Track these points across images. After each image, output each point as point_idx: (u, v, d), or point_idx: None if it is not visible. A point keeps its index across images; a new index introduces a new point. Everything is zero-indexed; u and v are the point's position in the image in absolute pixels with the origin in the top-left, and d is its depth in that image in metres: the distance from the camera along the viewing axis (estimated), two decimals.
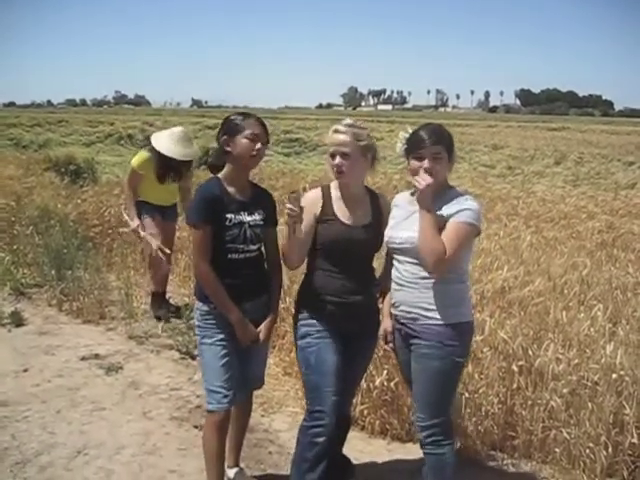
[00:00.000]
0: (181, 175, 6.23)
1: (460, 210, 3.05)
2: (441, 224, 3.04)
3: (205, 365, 3.45)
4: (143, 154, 6.21)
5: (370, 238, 3.36)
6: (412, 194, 3.26)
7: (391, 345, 3.47)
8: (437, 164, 3.13)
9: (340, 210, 3.32)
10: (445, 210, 3.08)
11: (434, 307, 3.11)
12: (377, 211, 3.41)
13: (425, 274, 3.10)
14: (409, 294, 3.18)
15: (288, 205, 3.11)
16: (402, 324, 3.26)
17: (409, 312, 3.19)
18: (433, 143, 3.11)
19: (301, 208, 3.12)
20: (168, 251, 6.22)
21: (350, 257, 3.32)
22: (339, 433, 3.54)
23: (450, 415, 3.33)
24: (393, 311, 3.34)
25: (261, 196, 3.53)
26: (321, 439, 3.27)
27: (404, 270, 3.20)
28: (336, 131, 3.29)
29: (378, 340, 3.61)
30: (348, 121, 3.36)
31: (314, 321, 3.33)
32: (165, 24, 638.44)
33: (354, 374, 3.58)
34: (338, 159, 3.25)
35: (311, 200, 3.30)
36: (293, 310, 3.58)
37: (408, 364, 3.29)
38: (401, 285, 3.22)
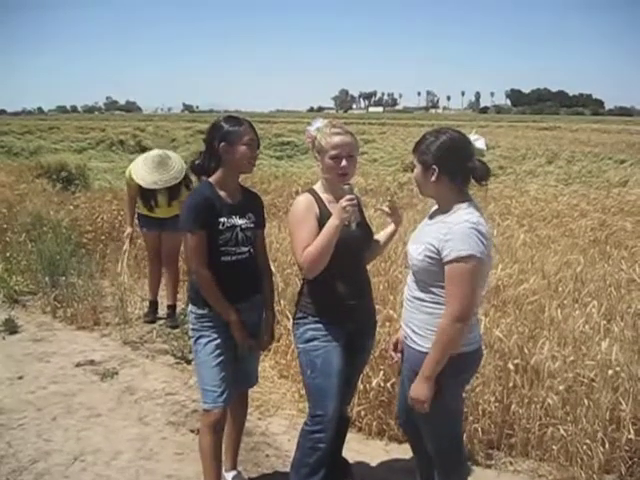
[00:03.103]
0: (175, 196, 6.20)
1: (446, 241, 2.81)
2: (434, 254, 2.85)
3: (200, 365, 3.45)
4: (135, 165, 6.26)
5: (365, 235, 3.39)
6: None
7: (399, 355, 3.36)
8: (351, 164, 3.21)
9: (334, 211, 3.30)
10: (434, 239, 2.87)
11: (420, 332, 2.99)
12: (359, 207, 3.41)
13: (420, 294, 2.99)
14: (405, 311, 3.14)
15: (348, 196, 3.08)
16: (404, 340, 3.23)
17: (404, 329, 3.15)
18: (413, 151, 3.05)
19: (357, 198, 3.14)
20: (125, 276, 6.57)
21: (352, 258, 3.32)
22: (339, 435, 3.54)
23: (461, 461, 3.26)
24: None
25: (251, 199, 3.57)
26: (323, 444, 3.27)
27: (407, 284, 3.16)
28: (336, 133, 3.25)
29: (375, 340, 3.62)
30: (324, 121, 3.34)
31: (320, 325, 3.31)
32: (156, 30, 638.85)
33: (353, 374, 3.60)
34: (345, 162, 3.23)
35: (310, 204, 3.28)
36: (291, 313, 3.57)
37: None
38: (404, 299, 3.18)
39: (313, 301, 3.34)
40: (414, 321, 3.03)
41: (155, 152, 6.23)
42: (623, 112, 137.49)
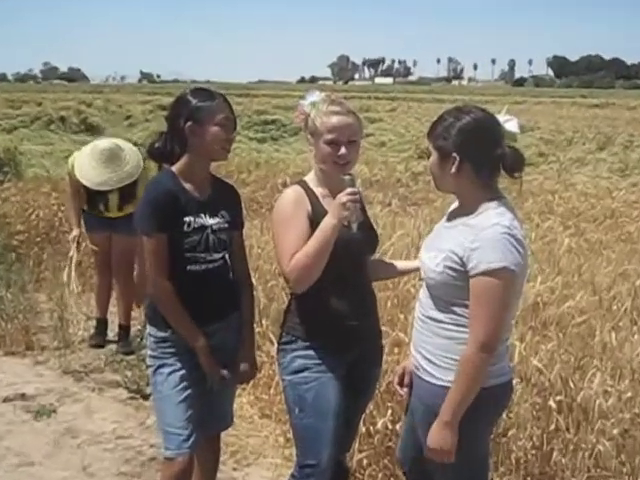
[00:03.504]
0: (130, 198, 6.15)
1: (472, 250, 2.81)
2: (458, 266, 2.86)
3: (161, 402, 3.45)
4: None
5: (368, 238, 3.38)
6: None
7: (406, 390, 3.35)
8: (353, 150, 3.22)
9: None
10: (457, 246, 2.87)
11: (435, 360, 2.97)
12: (361, 203, 3.39)
13: (436, 314, 2.98)
14: (416, 333, 3.13)
15: (349, 189, 3.07)
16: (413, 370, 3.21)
17: (414, 357, 3.14)
18: (428, 135, 3.05)
19: (360, 193, 3.13)
20: (75, 286, 6.48)
21: (352, 267, 3.29)
22: None
23: None
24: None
25: (225, 193, 3.56)
26: None
27: (419, 301, 3.16)
28: (335, 112, 3.24)
29: (382, 370, 3.62)
30: (322, 95, 3.34)
31: (312, 351, 3.28)
32: None
33: (355, 414, 3.59)
34: (344, 148, 3.21)
35: (299, 200, 3.25)
36: (275, 336, 3.57)
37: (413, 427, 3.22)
38: (415, 319, 3.17)
39: (303, 321, 3.31)
40: (427, 346, 3.02)
41: (104, 143, 6.13)
42: None
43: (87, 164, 6.04)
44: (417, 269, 3.50)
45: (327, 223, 3.08)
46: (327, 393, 3.26)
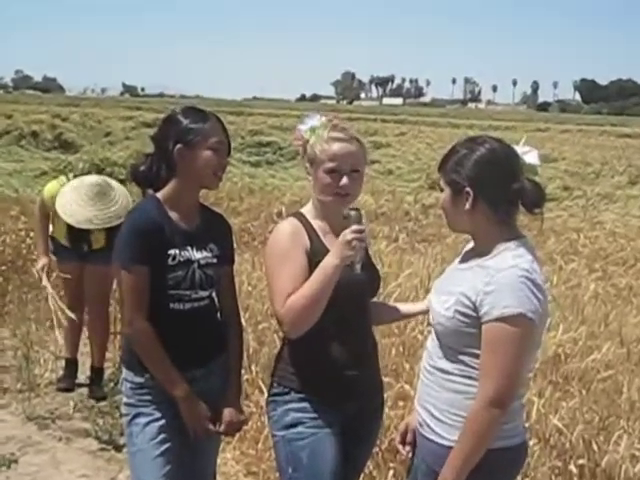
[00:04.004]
0: (114, 237, 6.11)
1: (486, 294, 2.80)
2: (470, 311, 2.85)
3: (136, 455, 3.42)
4: (58, 185, 6.21)
5: (370, 279, 3.37)
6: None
7: (408, 449, 3.31)
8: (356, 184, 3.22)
9: (333, 246, 3.19)
10: (470, 289, 2.87)
11: (442, 417, 2.96)
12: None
13: (445, 365, 2.97)
14: (422, 386, 3.12)
15: (355, 227, 3.04)
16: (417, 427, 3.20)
17: (419, 413, 3.12)
18: (439, 168, 3.06)
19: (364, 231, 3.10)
20: (71, 315, 6.32)
21: (353, 311, 3.28)
22: None
23: None
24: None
25: (214, 223, 3.55)
26: None
27: (426, 350, 3.15)
28: (336, 139, 3.24)
29: (383, 425, 3.60)
30: (322, 120, 3.33)
31: (307, 404, 3.25)
32: None
33: (353, 474, 3.55)
34: (346, 179, 3.21)
35: (297, 234, 3.23)
36: (266, 385, 3.55)
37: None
38: (422, 370, 3.16)
39: (297, 370, 3.29)
40: (433, 400, 3.01)
41: (92, 179, 6.09)
42: None
43: (71, 199, 5.98)
44: (423, 312, 3.56)
45: (329, 263, 3.05)
46: (324, 451, 3.23)
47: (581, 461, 4.21)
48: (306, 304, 3.05)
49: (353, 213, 3.09)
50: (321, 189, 3.24)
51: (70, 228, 6.08)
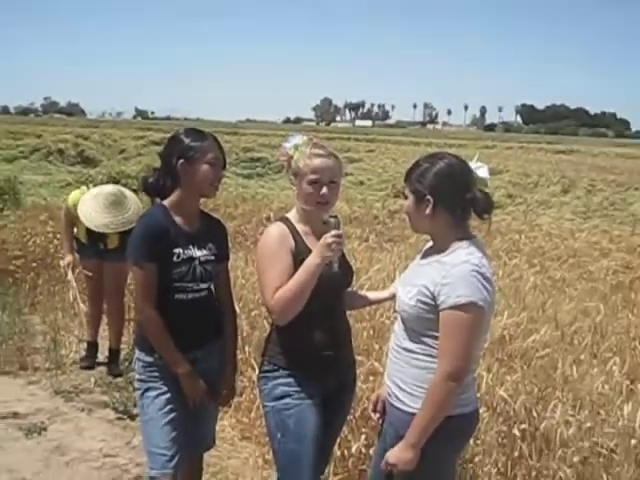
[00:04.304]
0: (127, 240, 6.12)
1: (443, 285, 2.83)
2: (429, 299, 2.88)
3: (146, 423, 3.42)
4: (80, 194, 6.18)
5: (345, 274, 3.38)
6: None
7: (378, 416, 3.35)
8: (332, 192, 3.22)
9: (314, 246, 3.23)
10: (429, 282, 2.89)
11: (408, 388, 2.99)
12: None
13: (409, 345, 2.99)
14: (390, 363, 3.14)
15: (334, 232, 3.07)
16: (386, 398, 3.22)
17: (388, 385, 3.15)
18: (405, 179, 3.07)
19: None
20: (82, 306, 6.42)
21: (331, 301, 3.31)
22: None
23: None
24: None
25: (213, 227, 3.56)
26: None
27: (394, 332, 3.16)
28: (317, 155, 3.25)
29: (355, 397, 3.61)
30: (304, 138, 3.34)
31: (292, 379, 3.26)
32: (104, 23, 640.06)
33: (331, 438, 3.57)
34: (325, 189, 3.23)
35: (284, 236, 3.25)
36: (257, 363, 3.54)
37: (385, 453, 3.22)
38: (390, 349, 3.18)
39: (285, 351, 3.29)
40: (401, 375, 3.03)
41: (109, 189, 6.11)
42: None
43: (90, 207, 5.97)
44: (387, 298, 3.58)
45: (311, 262, 3.07)
46: (307, 419, 3.25)
47: (523, 426, 4.22)
48: (292, 296, 3.07)
49: (332, 220, 3.10)
50: (305, 198, 3.25)
51: (89, 230, 6.05)
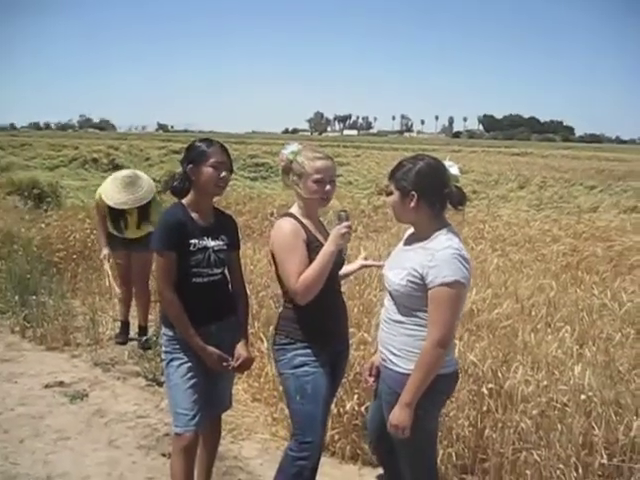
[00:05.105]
0: (144, 218, 6.17)
1: (430, 267, 2.86)
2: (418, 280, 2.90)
3: (171, 388, 3.42)
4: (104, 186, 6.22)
5: (342, 261, 3.39)
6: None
7: (373, 380, 3.38)
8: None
9: (320, 236, 3.31)
10: (417, 265, 2.91)
11: (400, 353, 3.01)
12: (326, 230, 3.45)
13: (400, 317, 3.01)
14: (383, 333, 3.15)
15: (345, 223, 3.11)
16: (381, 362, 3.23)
17: (382, 352, 3.16)
18: (390, 177, 3.08)
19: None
20: (117, 289, 6.47)
21: (334, 283, 3.35)
22: None
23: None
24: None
25: (225, 222, 3.56)
26: (307, 470, 3.26)
27: (384, 307, 3.17)
28: (319, 157, 3.26)
29: (349, 362, 3.64)
30: (298, 146, 3.36)
31: (309, 350, 3.28)
32: (131, 47, 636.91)
33: (332, 399, 3.62)
34: (329, 186, 3.26)
35: (297, 230, 3.24)
36: (265, 336, 3.53)
37: (380, 408, 3.23)
38: (381, 321, 3.19)
39: (302, 327, 3.29)
40: (393, 343, 3.05)
41: (125, 172, 6.20)
42: (593, 139, 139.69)
43: (110, 188, 6.07)
44: (357, 269, 3.71)
45: (328, 249, 3.12)
46: (321, 384, 3.28)
47: (490, 385, 4.21)
48: (314, 279, 3.11)
49: (343, 214, 3.17)
50: (310, 195, 3.27)
51: (110, 210, 6.08)
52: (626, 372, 4.33)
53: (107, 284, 6.45)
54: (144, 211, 6.12)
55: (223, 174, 3.32)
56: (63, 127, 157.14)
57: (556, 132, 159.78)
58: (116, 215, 6.18)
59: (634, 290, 6.46)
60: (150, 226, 6.08)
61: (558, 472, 3.80)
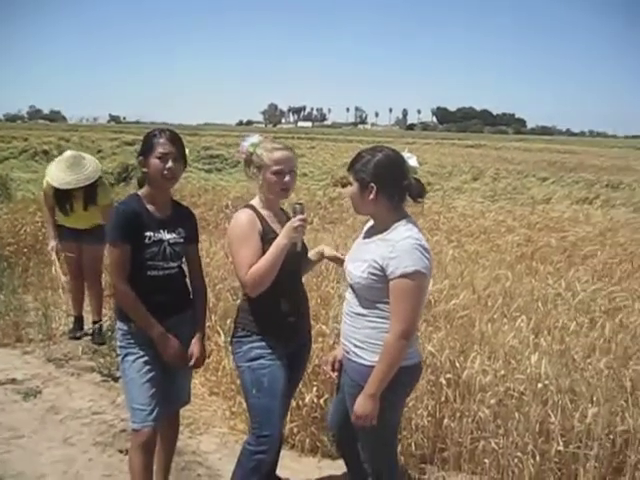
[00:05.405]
0: (90, 200, 5.98)
1: (390, 259, 2.83)
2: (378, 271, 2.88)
3: (128, 383, 3.36)
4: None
5: (303, 252, 3.37)
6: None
7: (336, 374, 3.37)
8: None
9: (277, 228, 3.26)
10: (378, 256, 2.89)
11: (363, 345, 3.00)
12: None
13: (362, 310, 3.00)
14: (345, 326, 3.14)
15: (299, 216, 3.08)
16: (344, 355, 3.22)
17: (344, 345, 3.15)
18: (349, 169, 3.06)
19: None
20: (62, 278, 6.31)
21: (293, 276, 3.33)
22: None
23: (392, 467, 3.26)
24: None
25: (182, 214, 3.51)
26: (266, 464, 3.27)
27: (346, 300, 3.16)
28: (278, 149, 3.25)
29: (310, 355, 3.63)
30: (259, 137, 3.35)
31: (264, 343, 3.26)
32: (80, 37, 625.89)
33: (291, 393, 3.59)
34: (287, 177, 3.23)
35: (253, 221, 3.22)
36: (222, 330, 3.50)
37: (342, 401, 3.23)
38: (344, 314, 3.18)
39: (257, 319, 3.28)
40: (356, 336, 3.04)
41: (69, 153, 6.03)
42: (544, 131, 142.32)
43: (55, 169, 5.93)
44: (315, 262, 3.60)
45: (280, 242, 3.09)
46: (278, 377, 3.26)
47: (448, 375, 4.24)
48: (264, 271, 3.07)
49: (298, 206, 3.14)
50: (269, 186, 3.26)
51: (57, 192, 5.95)
52: (581, 360, 4.39)
53: (53, 272, 6.33)
54: (90, 192, 5.95)
55: (169, 165, 3.24)
56: (12, 118, 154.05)
57: (508, 124, 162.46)
58: (62, 197, 6.01)
59: (587, 279, 6.56)
60: (97, 211, 5.95)
61: (516, 460, 3.86)
